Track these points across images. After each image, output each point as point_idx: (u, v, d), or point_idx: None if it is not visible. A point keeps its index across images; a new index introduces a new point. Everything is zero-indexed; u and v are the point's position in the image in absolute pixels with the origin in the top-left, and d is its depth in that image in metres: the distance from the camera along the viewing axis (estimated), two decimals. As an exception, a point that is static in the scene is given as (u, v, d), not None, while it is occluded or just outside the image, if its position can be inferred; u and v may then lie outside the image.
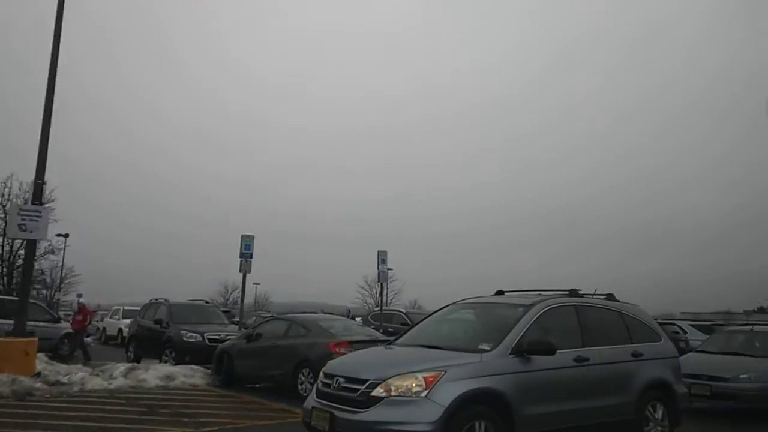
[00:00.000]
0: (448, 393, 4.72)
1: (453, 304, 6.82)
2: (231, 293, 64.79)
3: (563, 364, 5.56)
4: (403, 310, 21.97)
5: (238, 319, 19.57)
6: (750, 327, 11.26)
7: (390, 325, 18.33)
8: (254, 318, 25.54)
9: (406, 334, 6.68)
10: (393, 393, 4.78)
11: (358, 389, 4.95)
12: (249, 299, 65.55)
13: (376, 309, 21.47)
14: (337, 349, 9.35)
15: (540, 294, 6.38)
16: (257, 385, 11.39)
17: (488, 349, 5.30)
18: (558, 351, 5.49)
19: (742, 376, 9.12)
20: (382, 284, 15.41)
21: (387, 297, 52.99)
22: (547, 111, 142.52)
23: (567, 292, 6.39)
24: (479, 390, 4.89)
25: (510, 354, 5.26)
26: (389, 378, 4.86)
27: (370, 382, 4.91)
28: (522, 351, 5.30)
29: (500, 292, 6.92)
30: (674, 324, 17.63)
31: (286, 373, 10.10)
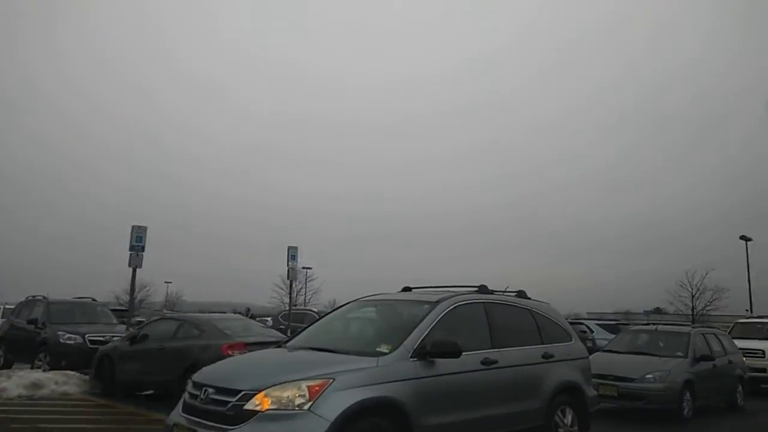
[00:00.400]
0: (336, 404, 4.02)
1: (354, 301, 6.13)
2: (139, 292, 61.07)
3: (469, 368, 5.01)
4: (315, 310, 21.18)
5: (139, 319, 18.09)
6: (654, 327, 11.41)
7: (301, 325, 17.49)
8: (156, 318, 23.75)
9: (299, 334, 5.92)
10: (270, 406, 4.00)
11: (229, 402, 4.13)
12: (159, 298, 62.30)
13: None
14: (230, 352, 8.42)
15: (449, 290, 5.81)
16: (142, 393, 10.20)
17: (387, 351, 4.64)
18: (464, 353, 4.94)
19: (647, 376, 9.06)
20: (291, 282, 14.53)
21: (306, 296, 51.89)
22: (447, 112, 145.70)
23: (476, 289, 5.87)
24: (373, 400, 4.22)
25: (411, 357, 4.63)
26: (267, 388, 4.08)
27: (243, 393, 4.11)
28: (425, 353, 4.69)
29: (407, 289, 6.31)
30: (582, 323, 17.99)
31: (173, 378, 8.98)
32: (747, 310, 33.87)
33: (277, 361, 4.91)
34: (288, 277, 14.67)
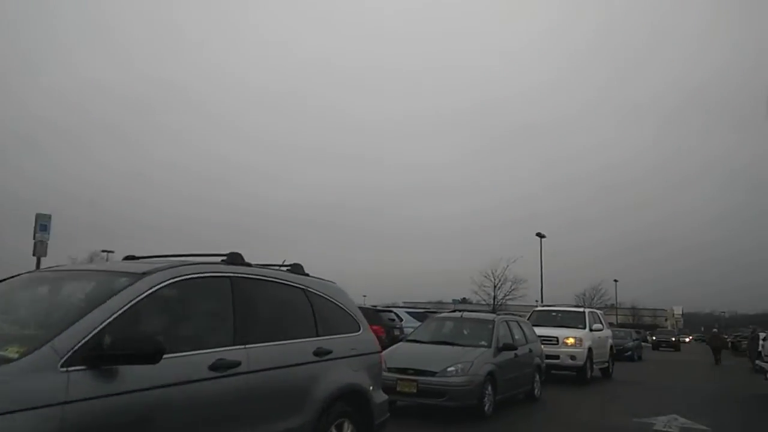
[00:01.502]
0: None
1: (26, 273, 3.92)
2: None
3: (185, 377, 3.16)
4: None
5: None
6: (460, 314, 10.64)
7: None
8: None
9: None
10: None
11: None
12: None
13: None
14: None
15: (181, 260, 3.89)
16: None
17: (15, 357, 2.59)
18: (178, 354, 3.11)
19: (449, 368, 8.02)
20: (39, 259, 11.36)
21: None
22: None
23: (224, 258, 4.03)
24: None
25: (62, 366, 2.63)
26: None
27: None
28: (93, 358, 2.73)
29: (131, 258, 4.25)
30: (391, 311, 17.20)
31: None
32: (537, 301, 36.90)
33: None
34: (34, 253, 11.46)
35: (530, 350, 10.41)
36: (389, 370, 8.20)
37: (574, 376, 14.21)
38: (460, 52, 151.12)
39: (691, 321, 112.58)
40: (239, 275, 3.89)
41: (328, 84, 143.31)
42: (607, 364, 16.17)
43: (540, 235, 39.33)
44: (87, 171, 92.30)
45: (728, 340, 42.64)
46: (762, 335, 23.79)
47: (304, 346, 4.18)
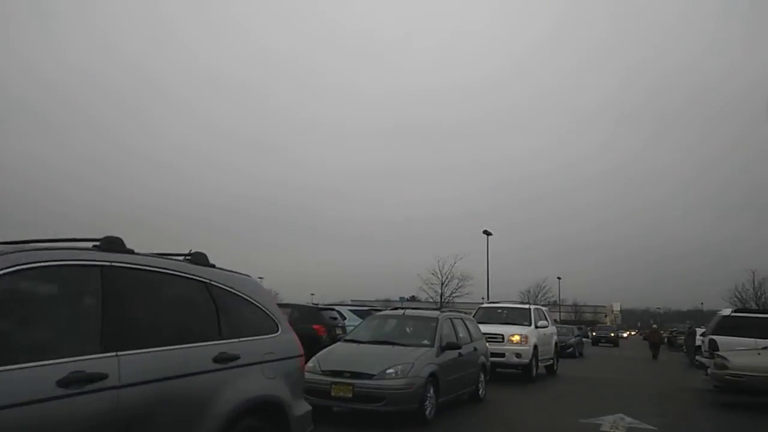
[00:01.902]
0: None
1: None
2: None
3: (20, 397, 2.38)
4: None
5: None
6: (403, 311, 10.06)
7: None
8: None
9: None
10: None
11: None
12: None
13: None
14: None
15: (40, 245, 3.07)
16: None
17: None
18: (19, 365, 2.38)
19: (388, 370, 7.39)
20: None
21: None
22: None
23: (97, 243, 3.23)
24: None
25: None
26: None
27: None
28: None
29: None
30: (333, 309, 16.45)
31: None
32: (483, 298, 36.98)
33: None
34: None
35: (475, 349, 9.92)
36: (323, 372, 7.53)
37: (520, 373, 13.91)
38: (392, 48, 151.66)
39: (629, 317, 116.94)
40: (114, 264, 3.09)
41: (280, 81, 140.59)
42: (552, 361, 16.00)
43: (486, 233, 39.46)
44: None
45: (664, 335, 44.12)
46: (699, 331, 24.41)
47: (200, 351, 3.42)
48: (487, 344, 11.38)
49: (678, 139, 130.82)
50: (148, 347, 3.07)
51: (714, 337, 13.44)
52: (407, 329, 9.35)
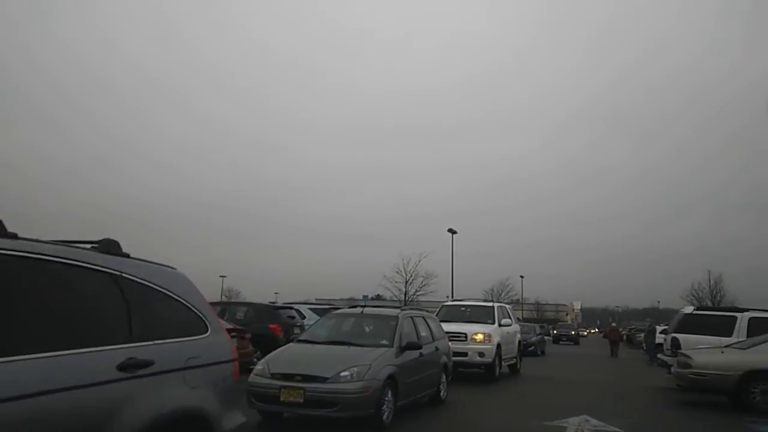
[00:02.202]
0: None
1: None
2: None
3: None
4: None
5: None
6: (361, 309, 9.54)
7: None
8: None
9: None
10: None
11: None
12: None
13: None
14: None
15: None
16: None
17: None
18: None
19: (343, 373, 6.86)
20: None
21: None
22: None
23: None
24: None
25: None
26: None
27: None
28: None
29: None
30: (291, 308, 15.82)
31: None
32: (447, 296, 36.77)
33: None
34: None
35: (437, 348, 9.48)
36: (272, 376, 6.98)
37: (483, 373, 13.56)
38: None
39: (589, 315, 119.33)
40: (-16, 251, 2.49)
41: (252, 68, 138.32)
42: (515, 360, 15.75)
43: (452, 231, 39.33)
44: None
45: (624, 333, 44.85)
46: (659, 328, 24.70)
47: (100, 356, 2.83)
48: (450, 343, 10.97)
49: (623, 140, 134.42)
50: (29, 353, 2.48)
51: (676, 335, 13.36)
52: (365, 328, 8.85)
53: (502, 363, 14.22)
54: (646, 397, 12.59)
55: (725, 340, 12.23)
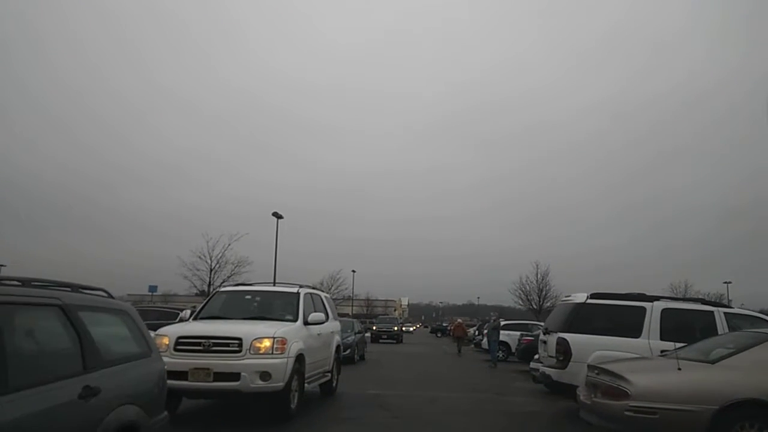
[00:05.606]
0: None
1: None
2: None
3: None
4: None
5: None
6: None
7: None
8: None
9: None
10: None
11: None
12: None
13: None
14: None
15: None
16: None
17: None
18: None
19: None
20: None
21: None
22: None
23: None
24: None
25: None
26: None
27: None
28: None
29: None
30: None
31: None
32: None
33: None
34: None
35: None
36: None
37: (263, 409, 7.87)
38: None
39: (415, 311, 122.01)
40: None
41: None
42: (329, 375, 10.04)
43: (277, 215, 34.04)
44: None
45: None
46: (502, 322, 21.42)
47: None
48: (213, 359, 6.85)
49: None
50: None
51: (564, 335, 9.00)
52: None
53: (308, 384, 8.66)
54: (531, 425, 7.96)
55: (634, 343, 8.15)
